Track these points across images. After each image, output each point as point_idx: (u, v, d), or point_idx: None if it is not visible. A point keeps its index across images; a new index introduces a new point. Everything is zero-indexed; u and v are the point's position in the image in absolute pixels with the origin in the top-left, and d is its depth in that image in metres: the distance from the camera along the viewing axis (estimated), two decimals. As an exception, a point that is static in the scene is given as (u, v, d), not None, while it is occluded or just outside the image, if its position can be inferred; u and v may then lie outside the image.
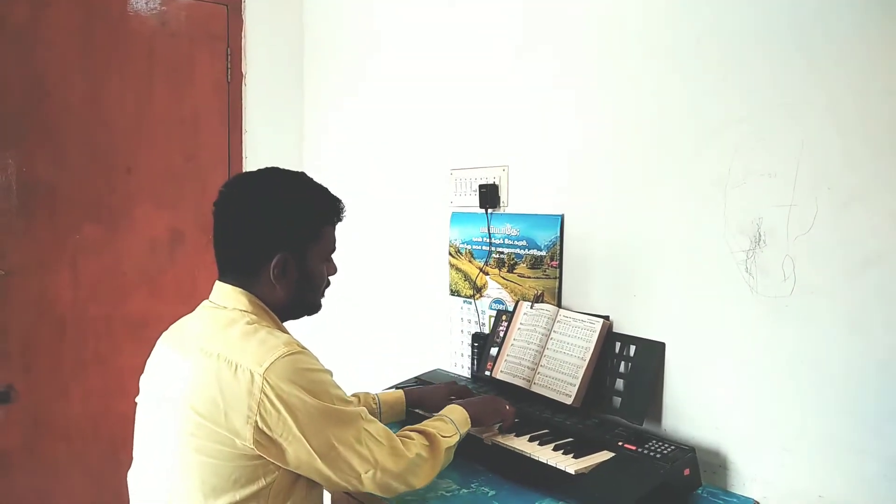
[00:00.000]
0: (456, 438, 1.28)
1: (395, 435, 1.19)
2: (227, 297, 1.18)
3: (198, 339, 1.13)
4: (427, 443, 1.23)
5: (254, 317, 1.15)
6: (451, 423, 1.30)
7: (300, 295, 1.22)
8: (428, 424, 1.28)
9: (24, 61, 2.15)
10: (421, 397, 1.60)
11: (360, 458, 1.10)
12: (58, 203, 2.22)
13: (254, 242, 1.17)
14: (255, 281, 1.18)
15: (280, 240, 1.17)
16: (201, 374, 1.07)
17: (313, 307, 1.28)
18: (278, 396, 1.03)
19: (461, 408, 1.36)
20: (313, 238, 1.22)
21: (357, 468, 1.10)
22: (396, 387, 1.77)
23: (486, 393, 1.63)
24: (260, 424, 1.03)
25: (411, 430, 1.25)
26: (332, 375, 1.14)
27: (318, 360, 1.13)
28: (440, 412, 1.34)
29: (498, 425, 1.42)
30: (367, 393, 1.56)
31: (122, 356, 2.32)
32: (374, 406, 1.53)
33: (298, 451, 1.06)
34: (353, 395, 1.53)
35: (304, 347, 1.12)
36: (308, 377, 1.07)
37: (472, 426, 1.34)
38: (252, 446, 1.04)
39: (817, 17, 1.20)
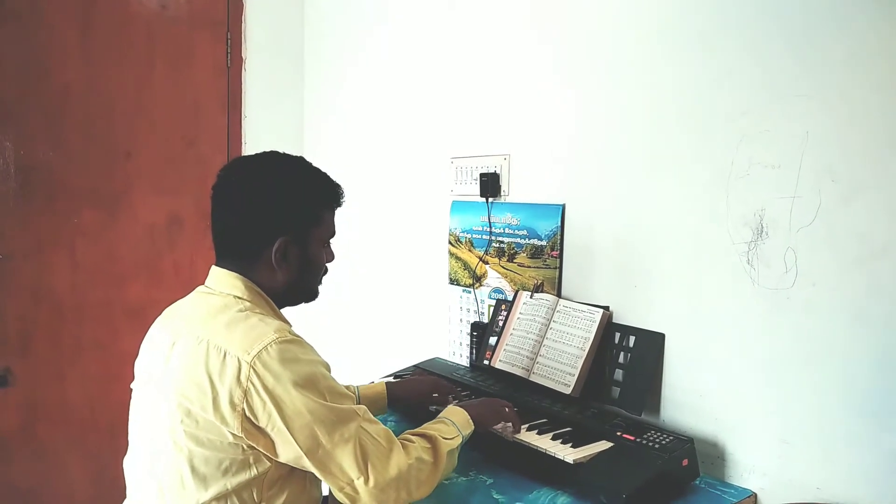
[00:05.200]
0: (458, 440, 1.22)
1: (396, 438, 1.14)
2: (222, 283, 1.17)
3: (189, 324, 1.12)
4: (428, 445, 1.18)
5: (248, 303, 1.14)
6: (453, 424, 1.24)
7: (300, 280, 1.21)
8: (428, 427, 1.23)
9: (24, 44, 2.13)
10: (404, 392, 1.55)
11: (352, 460, 1.04)
12: (56, 187, 2.21)
13: (255, 227, 1.16)
14: (255, 266, 1.17)
15: (281, 224, 1.16)
16: (190, 360, 1.06)
17: (312, 293, 1.27)
18: (264, 386, 1.01)
19: (462, 409, 1.30)
20: (314, 222, 1.21)
21: (349, 472, 1.04)
22: (395, 376, 1.77)
23: (482, 384, 1.62)
24: (248, 413, 1.01)
25: (411, 434, 1.20)
26: (327, 367, 1.11)
27: (312, 349, 1.10)
28: (441, 415, 1.29)
29: (506, 425, 1.36)
30: (349, 385, 1.52)
31: (120, 341, 2.32)
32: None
33: (285, 446, 1.03)
34: None
35: (296, 335, 1.09)
36: (297, 367, 1.04)
37: (474, 429, 1.28)
38: (241, 434, 1.02)
39: (825, 9, 1.18)
